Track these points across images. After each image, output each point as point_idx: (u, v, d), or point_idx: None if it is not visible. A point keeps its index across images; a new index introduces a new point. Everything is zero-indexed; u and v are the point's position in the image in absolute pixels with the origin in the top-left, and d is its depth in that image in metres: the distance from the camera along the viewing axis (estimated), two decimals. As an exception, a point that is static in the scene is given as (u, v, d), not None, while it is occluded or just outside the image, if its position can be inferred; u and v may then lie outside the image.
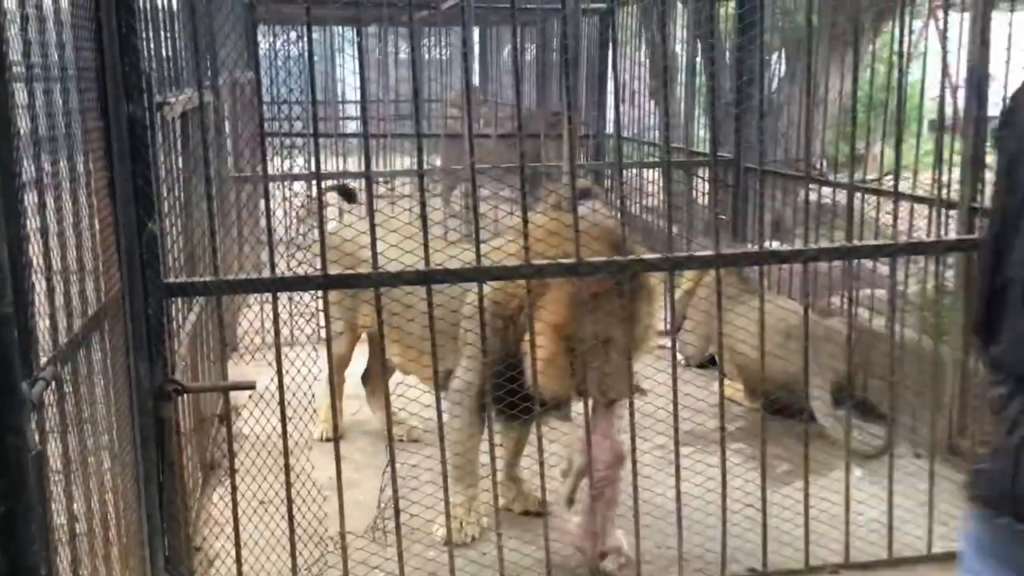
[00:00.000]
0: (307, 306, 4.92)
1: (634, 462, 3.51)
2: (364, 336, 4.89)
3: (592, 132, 8.89)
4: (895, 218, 4.12)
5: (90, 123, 2.75)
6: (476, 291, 3.39)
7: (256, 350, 5.48)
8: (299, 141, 7.24)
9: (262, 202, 3.50)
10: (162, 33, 3.83)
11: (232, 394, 3.48)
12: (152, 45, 3.54)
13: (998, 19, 4.19)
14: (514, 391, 3.55)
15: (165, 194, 3.51)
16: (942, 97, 4.48)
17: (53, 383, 2.21)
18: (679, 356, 4.89)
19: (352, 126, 13.01)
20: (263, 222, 3.27)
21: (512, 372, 3.56)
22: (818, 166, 6.50)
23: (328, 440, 4.36)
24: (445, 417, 3.53)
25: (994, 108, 4.33)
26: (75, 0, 2.62)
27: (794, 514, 3.71)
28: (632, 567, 3.58)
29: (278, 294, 3.19)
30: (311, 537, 3.53)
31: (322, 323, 4.08)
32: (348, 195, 5.41)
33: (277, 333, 3.21)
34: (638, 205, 8.37)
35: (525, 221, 3.34)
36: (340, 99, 13.37)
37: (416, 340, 3.91)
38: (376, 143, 10.21)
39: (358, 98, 3.43)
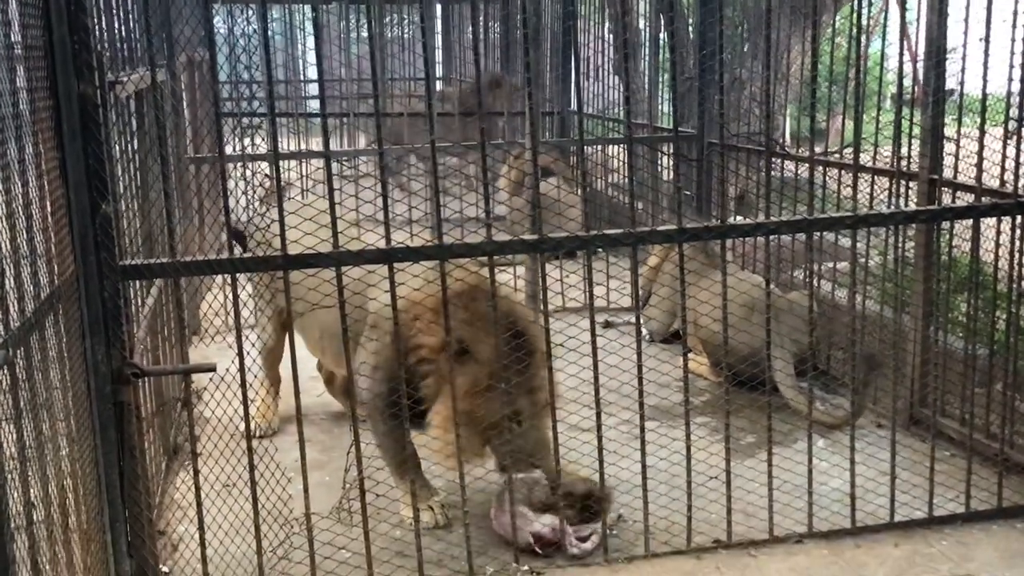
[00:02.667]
0: (267, 287, 4.86)
1: (600, 437, 3.52)
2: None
3: (557, 108, 8.85)
4: (855, 190, 4.14)
5: (39, 103, 2.68)
6: (380, 295, 3.49)
7: (217, 332, 5.43)
8: (259, 121, 7.12)
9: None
10: (114, 10, 3.75)
11: (194, 377, 3.44)
12: (104, 22, 3.46)
13: (956, -9, 4.20)
14: (416, 400, 3.56)
15: (120, 175, 3.44)
16: (901, 69, 4.50)
17: (5, 367, 2.17)
18: (644, 331, 4.91)
19: (314, 105, 12.82)
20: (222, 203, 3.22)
21: (408, 386, 3.51)
22: (780, 140, 6.52)
23: (263, 437, 4.50)
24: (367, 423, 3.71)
25: (952, 80, 4.36)
26: (21, -24, 2.55)
27: (758, 485, 3.74)
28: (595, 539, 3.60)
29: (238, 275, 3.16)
30: (276, 519, 3.50)
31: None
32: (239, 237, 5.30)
33: (237, 315, 3.17)
34: (602, 181, 8.36)
35: (487, 198, 3.34)
36: (302, 78, 13.20)
37: (324, 332, 4.00)
38: (338, 122, 10.09)
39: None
